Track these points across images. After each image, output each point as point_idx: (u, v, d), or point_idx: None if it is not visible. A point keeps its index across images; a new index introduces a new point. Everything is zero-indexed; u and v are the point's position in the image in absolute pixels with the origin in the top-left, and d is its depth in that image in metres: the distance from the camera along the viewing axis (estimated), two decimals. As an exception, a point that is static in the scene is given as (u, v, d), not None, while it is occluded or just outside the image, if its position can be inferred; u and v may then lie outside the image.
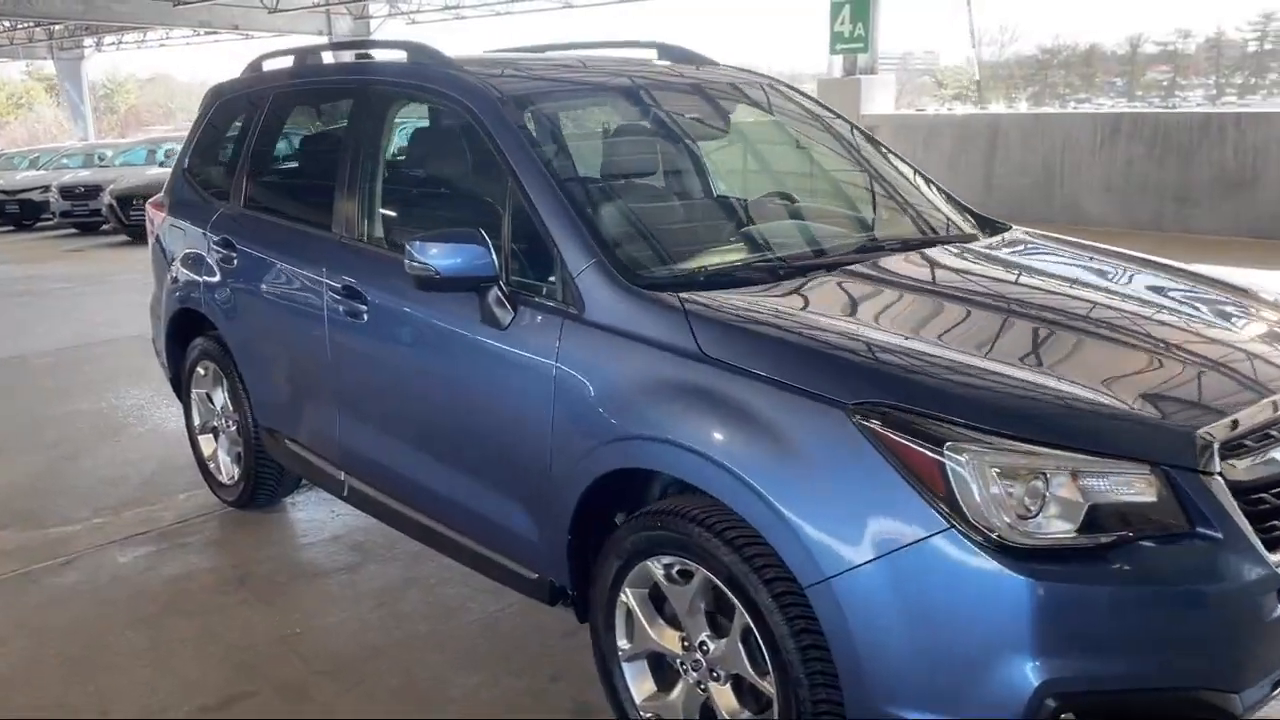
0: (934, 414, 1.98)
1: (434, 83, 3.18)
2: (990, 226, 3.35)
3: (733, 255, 2.82)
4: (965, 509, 1.91)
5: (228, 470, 4.34)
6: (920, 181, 3.50)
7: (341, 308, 3.30)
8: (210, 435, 4.45)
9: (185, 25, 21.98)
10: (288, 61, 4.10)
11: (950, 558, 1.91)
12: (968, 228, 3.30)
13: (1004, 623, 1.88)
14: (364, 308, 3.20)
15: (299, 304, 3.56)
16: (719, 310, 2.40)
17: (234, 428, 4.23)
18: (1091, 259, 3.06)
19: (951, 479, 1.92)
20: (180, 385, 4.55)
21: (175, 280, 4.35)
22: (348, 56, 4.06)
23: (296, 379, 3.70)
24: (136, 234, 15.46)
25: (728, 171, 3.26)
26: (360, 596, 3.55)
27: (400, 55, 3.44)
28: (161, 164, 18.15)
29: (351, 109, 3.53)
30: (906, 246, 3.00)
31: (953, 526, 1.91)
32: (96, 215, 16.91)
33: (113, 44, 34.51)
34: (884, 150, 3.58)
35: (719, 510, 2.24)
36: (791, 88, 3.70)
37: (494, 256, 2.68)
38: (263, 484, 4.18)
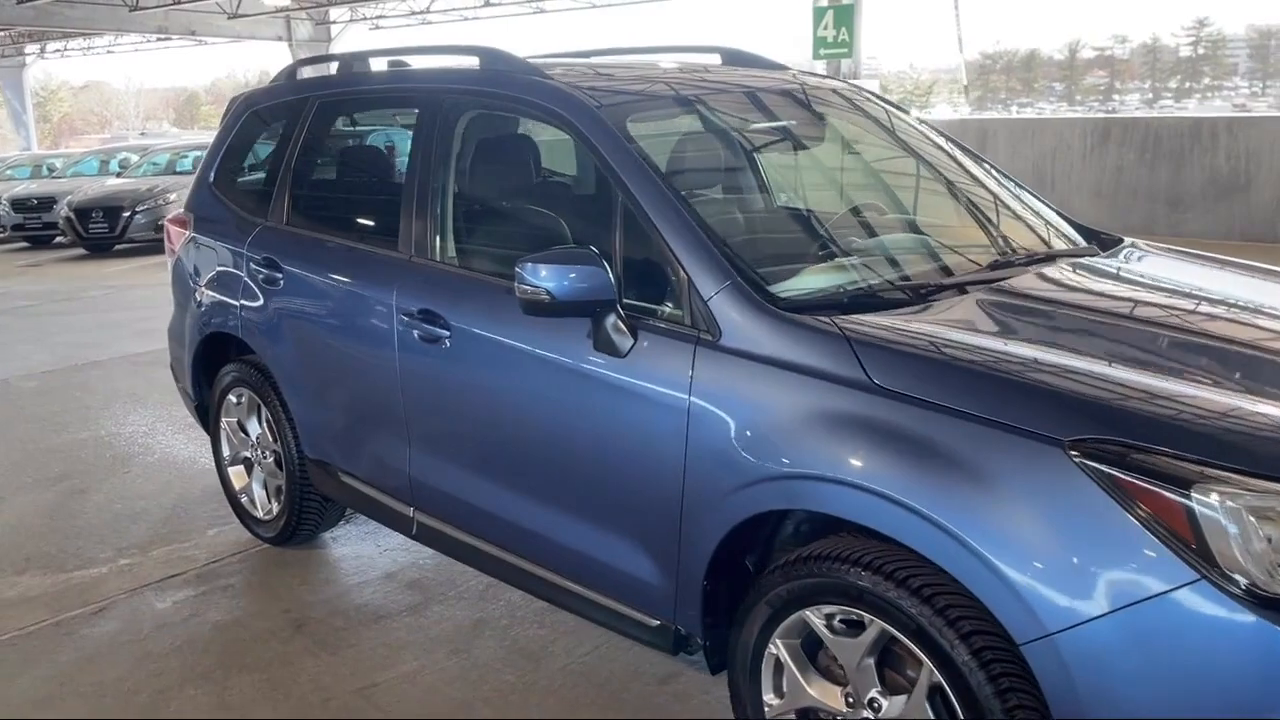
0: (1171, 452, 1.81)
1: (521, 91, 2.96)
2: (1095, 238, 3.20)
3: (864, 273, 2.63)
4: (1218, 557, 1.73)
5: (263, 504, 4.07)
6: (1018, 190, 3.34)
7: (416, 333, 3.06)
8: (241, 467, 4.17)
9: (141, 31, 21.38)
10: (330, 69, 3.85)
11: (1202, 612, 1.73)
12: (1080, 239, 3.15)
13: (1268, 682, 1.71)
14: (445, 333, 2.96)
15: (361, 329, 3.31)
16: (884, 336, 2.21)
17: (272, 459, 3.96)
18: (1233, 271, 2.91)
19: (1201, 524, 1.75)
20: (207, 414, 4.27)
21: (203, 302, 4.07)
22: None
23: (356, 408, 3.44)
24: (95, 247, 14.97)
25: (826, 182, 3.07)
26: (431, 642, 3.30)
27: (470, 61, 3.22)
28: (119, 174, 17.60)
29: (417, 119, 3.29)
30: (1032, 261, 2.84)
31: (1204, 577, 1.73)
32: (51, 228, 16.31)
33: (57, 51, 33.59)
34: (977, 158, 3.42)
35: (899, 556, 2.05)
36: (875, 94, 3.53)
37: (612, 278, 2.47)
38: (306, 519, 3.91)
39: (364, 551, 4.02)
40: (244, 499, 4.16)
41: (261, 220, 3.85)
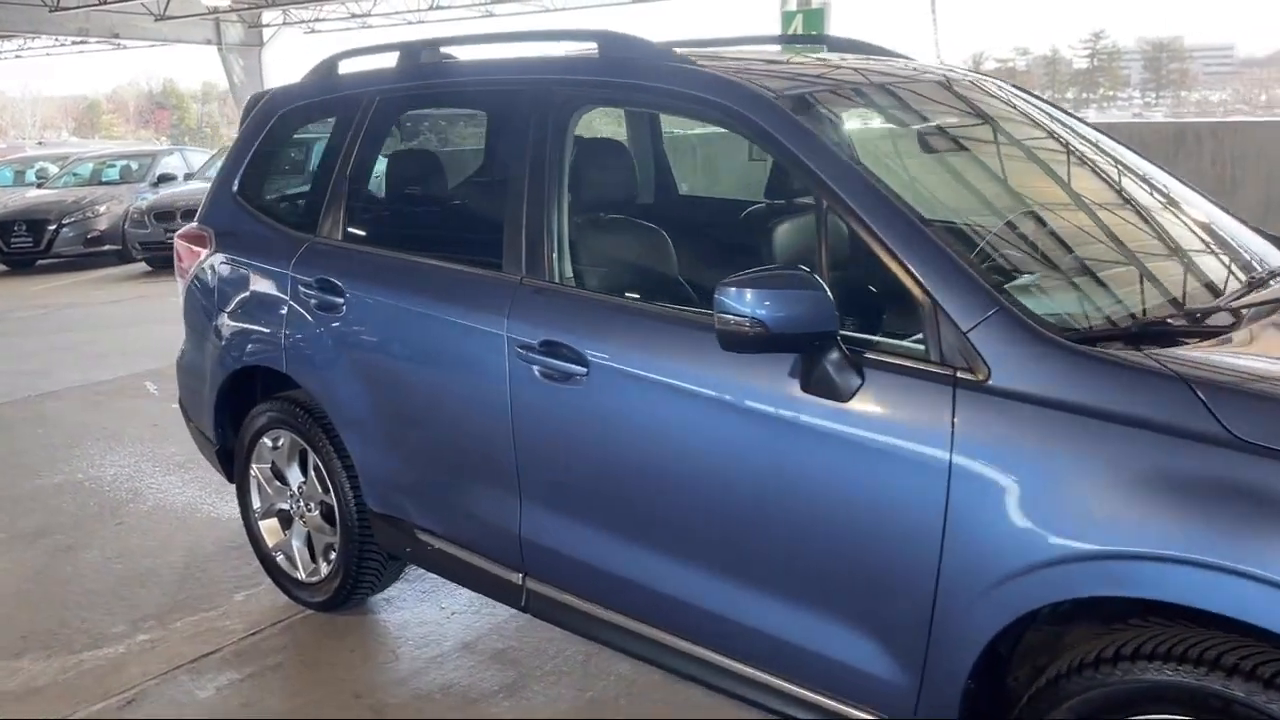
0: None
1: (666, 82, 2.49)
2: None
3: (1136, 297, 2.21)
4: None
5: (305, 564, 3.51)
6: (1198, 198, 2.97)
7: (536, 369, 2.56)
8: (275, 521, 3.60)
9: (59, 33, 20.18)
10: (383, 61, 3.32)
11: None
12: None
13: None
14: (579, 369, 2.47)
15: (456, 363, 2.80)
16: (1232, 376, 1.80)
17: (318, 512, 3.41)
18: None
19: None
20: (230, 459, 3.69)
21: (230, 331, 3.50)
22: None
23: (444, 455, 2.93)
24: (17, 263, 13.96)
25: (1033, 187, 2.64)
26: (546, 732, 2.80)
27: (588, 48, 2.74)
28: (39, 185, 16.51)
29: (518, 117, 2.79)
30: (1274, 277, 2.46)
31: None
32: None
33: (-43, 56, 31.80)
34: (1156, 162, 3.04)
35: (1259, 651, 1.64)
36: (1025, 88, 3.13)
37: (834, 304, 2.02)
38: (363, 582, 3.37)
39: (427, 616, 3.48)
40: (279, 557, 3.59)
41: (309, 236, 3.30)
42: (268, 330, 3.34)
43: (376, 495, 3.16)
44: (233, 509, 4.31)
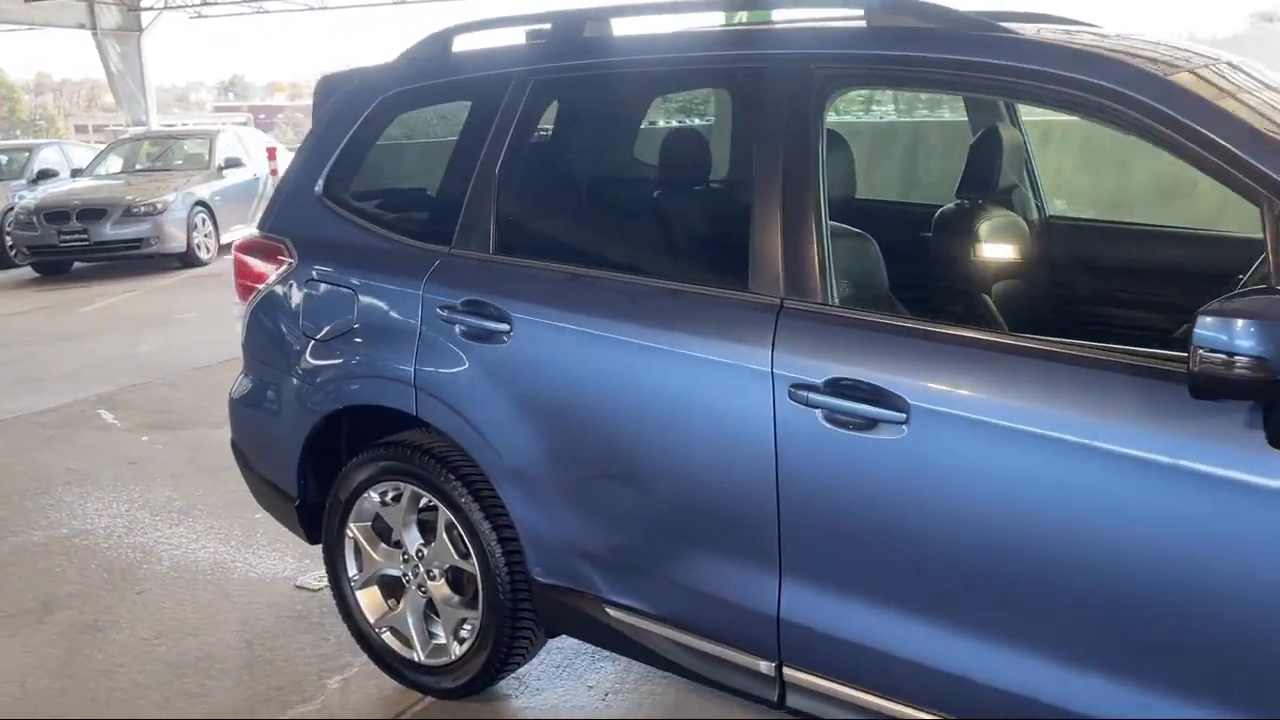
0: None
1: (1030, 61, 2.01)
2: None
3: None
4: None
5: (421, 643, 2.91)
6: None
7: (820, 414, 2.06)
8: (376, 589, 3.00)
9: (-88, 16, 18.24)
10: (521, 34, 2.75)
11: None
12: None
13: None
14: (894, 415, 1.98)
15: (695, 406, 2.26)
16: None
17: (443, 580, 2.83)
18: None
19: None
20: (314, 517, 3.06)
21: (327, 364, 2.87)
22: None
23: (666, 519, 2.38)
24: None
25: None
26: None
27: (850, 14, 2.25)
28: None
29: (766, 102, 2.28)
30: None
31: None
32: None
33: None
34: None
35: None
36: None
37: None
38: (511, 662, 2.80)
39: (577, 698, 2.93)
40: (384, 634, 2.98)
41: (440, 248, 2.71)
42: (388, 363, 2.74)
43: (546, 562, 2.60)
44: (273, 566, 3.70)
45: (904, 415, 1.98)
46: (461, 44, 2.90)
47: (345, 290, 2.85)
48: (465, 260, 2.66)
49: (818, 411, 2.08)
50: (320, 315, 2.91)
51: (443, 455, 2.71)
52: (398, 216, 2.97)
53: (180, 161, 13.31)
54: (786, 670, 2.26)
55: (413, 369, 2.68)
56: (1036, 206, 3.40)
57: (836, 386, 2.06)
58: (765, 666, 2.29)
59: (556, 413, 2.48)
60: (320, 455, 3.02)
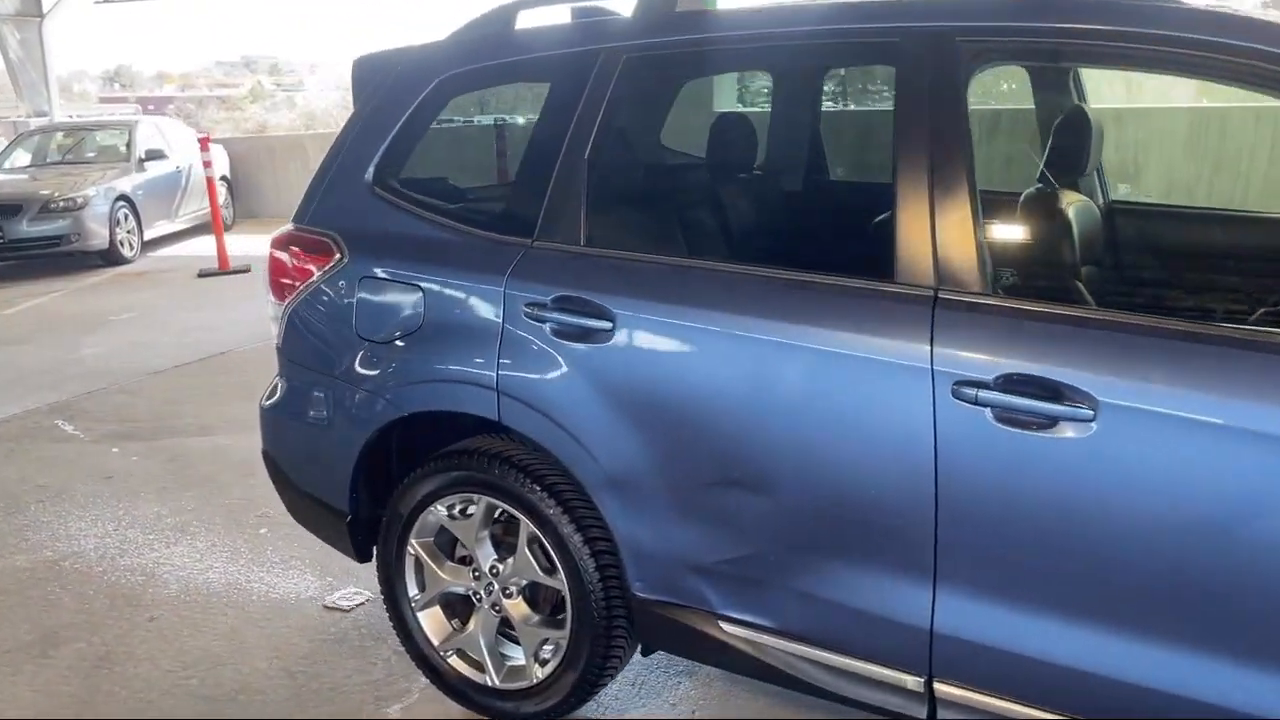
0: None
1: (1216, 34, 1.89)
2: None
3: None
4: None
5: (498, 666, 2.70)
6: None
7: (991, 413, 1.93)
8: (437, 609, 2.78)
9: None
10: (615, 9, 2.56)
11: None
12: None
13: None
14: (1082, 413, 1.85)
15: (838, 407, 2.11)
16: None
17: (520, 597, 2.63)
18: None
19: None
20: (369, 533, 2.83)
21: (387, 368, 2.64)
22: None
23: (800, 529, 2.21)
24: None
25: None
26: None
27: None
28: None
29: (901, 78, 2.13)
30: None
31: None
32: None
33: None
34: None
35: None
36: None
37: None
38: (601, 683, 2.61)
39: (661, 715, 2.76)
40: (449, 657, 2.76)
41: (523, 239, 2.50)
42: (466, 366, 2.52)
43: (649, 576, 2.42)
44: (293, 585, 3.47)
45: (1091, 413, 1.86)
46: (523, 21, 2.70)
47: (411, 288, 2.62)
48: (552, 253, 2.46)
49: (987, 410, 1.94)
50: (380, 316, 2.67)
51: (525, 465, 2.51)
52: (463, 207, 2.75)
53: (94, 154, 12.62)
54: (937, 685, 2.13)
55: (495, 372, 2.47)
56: (1101, 191, 3.33)
57: (1010, 383, 1.92)
58: (913, 682, 2.15)
59: (667, 416, 2.30)
60: (375, 467, 2.78)
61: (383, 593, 2.85)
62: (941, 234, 2.04)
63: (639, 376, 2.32)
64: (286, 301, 2.85)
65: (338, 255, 2.74)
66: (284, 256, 2.86)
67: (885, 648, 2.17)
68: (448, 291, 2.57)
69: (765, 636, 2.31)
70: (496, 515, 2.64)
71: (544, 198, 2.49)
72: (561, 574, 2.52)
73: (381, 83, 2.81)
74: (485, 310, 2.50)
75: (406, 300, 2.62)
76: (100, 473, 4.65)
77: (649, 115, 2.75)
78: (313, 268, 2.79)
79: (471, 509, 2.66)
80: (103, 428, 5.29)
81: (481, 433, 2.64)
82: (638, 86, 2.52)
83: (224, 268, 10.17)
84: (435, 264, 2.60)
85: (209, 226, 11.08)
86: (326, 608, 3.36)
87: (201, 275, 9.97)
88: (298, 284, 2.83)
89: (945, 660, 2.11)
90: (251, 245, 10.87)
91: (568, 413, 2.40)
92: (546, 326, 2.41)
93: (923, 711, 2.16)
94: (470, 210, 2.73)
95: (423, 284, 2.60)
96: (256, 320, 7.38)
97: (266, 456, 3.05)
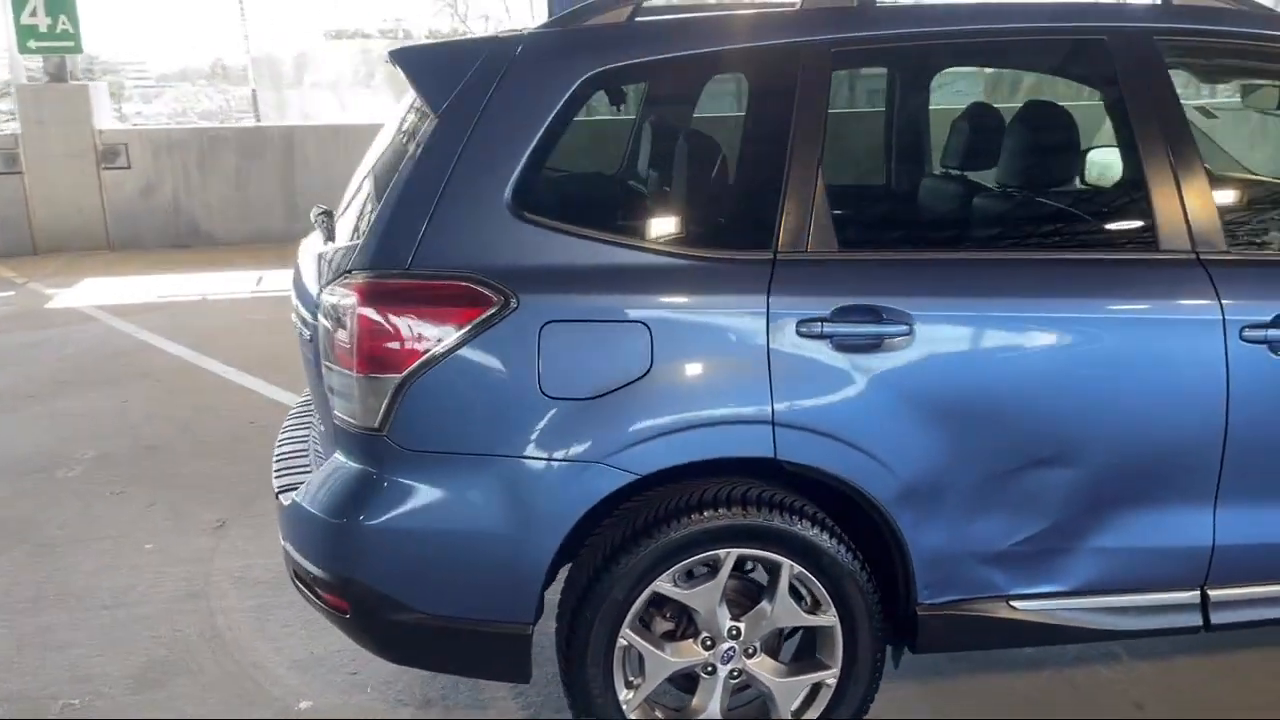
0: None
1: None
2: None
3: None
4: None
5: (727, 729, 2.39)
6: None
7: (1266, 347, 2.32)
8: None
9: None
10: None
11: None
12: None
13: None
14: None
15: (1140, 367, 2.31)
16: None
17: (764, 653, 2.37)
18: None
19: None
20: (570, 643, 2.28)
21: (600, 428, 2.16)
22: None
23: (1101, 487, 2.34)
24: None
25: None
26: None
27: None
28: None
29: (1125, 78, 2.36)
30: None
31: None
32: None
33: None
34: None
35: None
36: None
37: None
38: (866, 710, 2.46)
39: None
40: (686, 738, 2.37)
41: (761, 253, 2.22)
42: (725, 403, 2.18)
43: (940, 581, 2.37)
44: None
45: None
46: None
47: (629, 326, 2.16)
48: (807, 264, 2.24)
49: (1264, 346, 2.31)
50: (581, 367, 2.15)
51: (791, 503, 2.27)
52: (650, 223, 2.31)
53: None
54: (1211, 591, 2.46)
55: (770, 404, 2.18)
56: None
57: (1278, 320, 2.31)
58: (1188, 596, 2.45)
59: (974, 409, 2.28)
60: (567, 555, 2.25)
61: (571, 703, 2.31)
62: (1190, 203, 2.35)
63: (942, 376, 2.26)
64: (403, 373, 2.13)
65: (496, 302, 2.13)
66: (392, 318, 2.13)
67: (1168, 573, 2.44)
68: (686, 323, 2.19)
69: (1055, 601, 2.42)
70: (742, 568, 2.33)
71: (779, 206, 2.24)
72: (830, 608, 2.33)
73: (481, 81, 2.22)
74: (743, 336, 2.18)
75: (624, 342, 2.16)
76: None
77: (908, 110, 2.58)
78: (443, 325, 2.13)
79: (700, 570, 2.30)
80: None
81: (725, 475, 2.28)
82: (853, 81, 2.39)
83: None
84: (659, 294, 2.18)
85: None
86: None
87: None
88: (419, 348, 2.13)
89: (1219, 567, 2.44)
90: None
91: (860, 429, 2.23)
92: (828, 342, 2.20)
93: (1198, 618, 2.47)
94: (663, 227, 2.32)
95: (647, 320, 2.17)
96: None
97: (361, 591, 2.23)
